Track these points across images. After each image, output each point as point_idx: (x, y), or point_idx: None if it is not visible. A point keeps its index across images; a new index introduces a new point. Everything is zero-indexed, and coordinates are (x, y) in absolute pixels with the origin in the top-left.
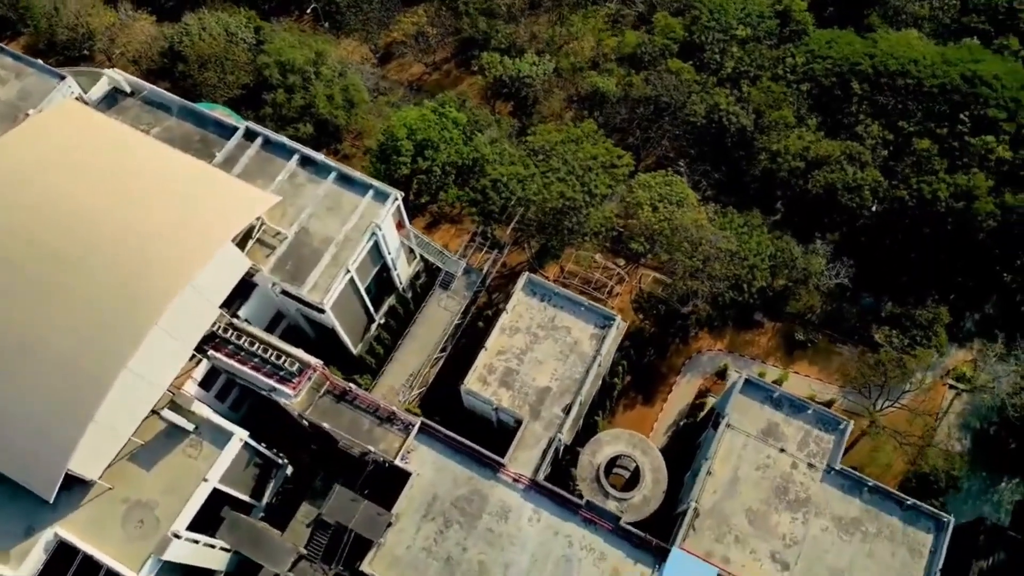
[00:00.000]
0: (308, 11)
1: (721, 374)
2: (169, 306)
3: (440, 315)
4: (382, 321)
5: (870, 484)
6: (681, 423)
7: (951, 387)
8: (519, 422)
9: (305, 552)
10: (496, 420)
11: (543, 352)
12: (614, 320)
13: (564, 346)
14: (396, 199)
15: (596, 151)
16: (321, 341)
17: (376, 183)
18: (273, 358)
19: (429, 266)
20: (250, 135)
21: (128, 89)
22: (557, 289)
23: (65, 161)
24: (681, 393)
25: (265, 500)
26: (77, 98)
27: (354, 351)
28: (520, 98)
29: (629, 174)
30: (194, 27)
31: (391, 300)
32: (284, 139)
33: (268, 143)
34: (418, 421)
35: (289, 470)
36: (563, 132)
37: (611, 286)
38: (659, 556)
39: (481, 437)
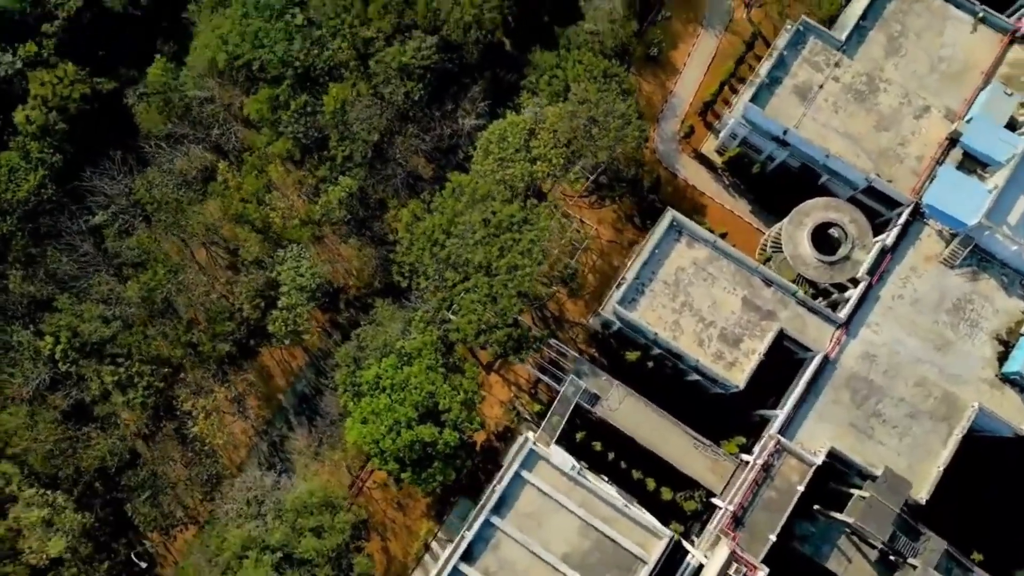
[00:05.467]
0: None
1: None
2: None
3: (630, 407)
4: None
5: None
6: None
7: None
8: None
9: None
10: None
11: (698, 297)
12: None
13: (705, 279)
14: (530, 439)
15: (447, 208)
16: None
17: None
18: None
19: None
20: None
21: None
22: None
23: None
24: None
25: None
26: None
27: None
28: (332, 291)
29: (478, 193)
30: None
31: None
32: None
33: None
34: (776, 439)
35: None
36: (418, 243)
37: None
38: (917, 214)
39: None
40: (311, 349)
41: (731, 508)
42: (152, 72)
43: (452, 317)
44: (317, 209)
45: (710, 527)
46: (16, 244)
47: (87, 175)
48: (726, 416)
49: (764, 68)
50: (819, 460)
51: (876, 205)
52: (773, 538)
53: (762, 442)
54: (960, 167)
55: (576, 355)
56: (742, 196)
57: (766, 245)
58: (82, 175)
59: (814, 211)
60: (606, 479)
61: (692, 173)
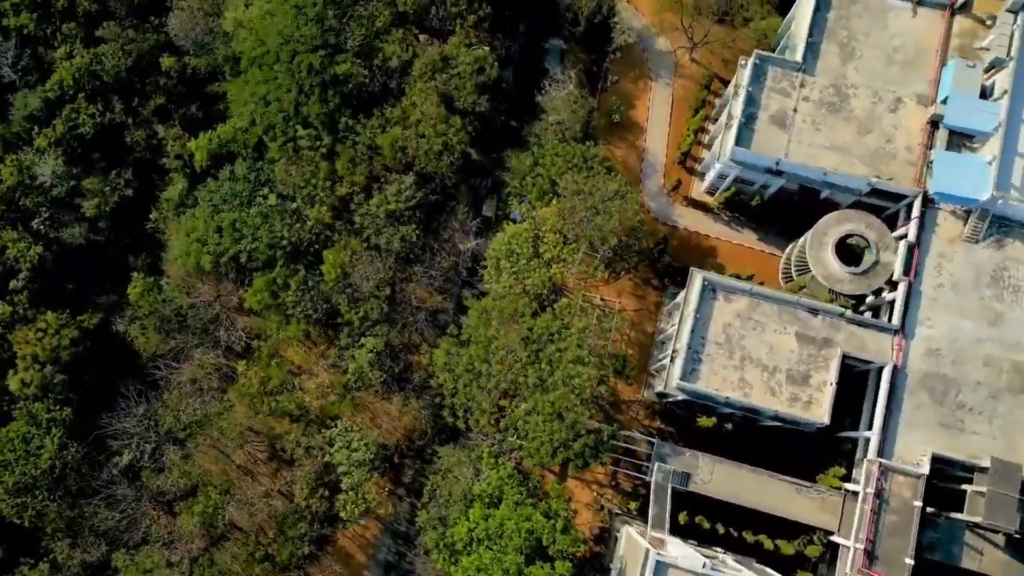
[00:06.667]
0: None
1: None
2: None
3: (722, 475)
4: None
5: None
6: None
7: None
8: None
9: None
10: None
11: (754, 348)
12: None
13: (754, 328)
14: (651, 551)
15: (479, 337)
16: None
17: None
18: None
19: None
20: None
21: None
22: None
23: None
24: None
25: None
26: None
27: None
28: (388, 452)
29: (505, 313)
30: None
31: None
32: None
33: None
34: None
35: None
36: (462, 379)
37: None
38: (927, 202)
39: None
40: (383, 516)
41: (860, 546)
42: (133, 292)
43: (522, 443)
44: (349, 378)
45: (845, 570)
46: (51, 515)
47: (104, 421)
48: (807, 447)
49: (736, 109)
50: (925, 469)
51: (879, 202)
52: (910, 561)
53: (864, 469)
54: (950, 147)
55: (648, 439)
56: (746, 227)
57: (788, 269)
58: (99, 422)
59: (830, 228)
60: (720, 551)
61: (691, 221)
